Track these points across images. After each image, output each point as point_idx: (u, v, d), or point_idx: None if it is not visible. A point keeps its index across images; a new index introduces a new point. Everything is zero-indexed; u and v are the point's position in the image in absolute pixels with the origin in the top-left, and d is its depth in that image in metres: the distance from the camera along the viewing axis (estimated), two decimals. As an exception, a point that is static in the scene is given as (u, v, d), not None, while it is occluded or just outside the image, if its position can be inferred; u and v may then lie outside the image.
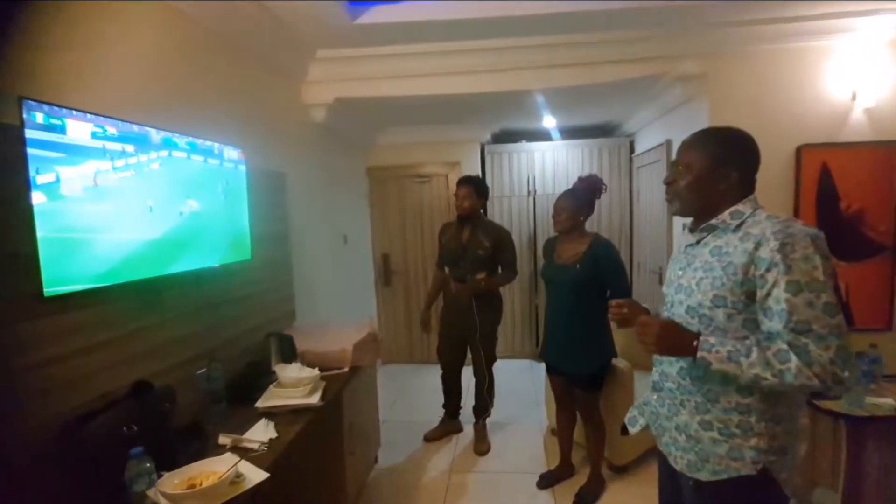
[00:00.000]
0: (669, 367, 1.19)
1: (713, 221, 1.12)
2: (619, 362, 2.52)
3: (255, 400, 1.81)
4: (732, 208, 1.10)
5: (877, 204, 2.72)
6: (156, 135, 1.54)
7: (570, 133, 4.57)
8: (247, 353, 2.17)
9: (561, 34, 2.68)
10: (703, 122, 2.84)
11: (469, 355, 3.07)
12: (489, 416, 3.09)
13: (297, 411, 1.75)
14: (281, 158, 2.71)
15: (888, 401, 2.08)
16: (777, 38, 2.65)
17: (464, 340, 3.03)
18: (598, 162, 4.46)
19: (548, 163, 4.52)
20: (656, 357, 1.25)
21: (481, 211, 3.06)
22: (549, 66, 2.90)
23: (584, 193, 2.37)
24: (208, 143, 1.82)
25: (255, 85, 2.48)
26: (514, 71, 2.96)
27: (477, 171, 4.54)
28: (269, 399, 1.79)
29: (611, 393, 2.54)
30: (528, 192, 4.56)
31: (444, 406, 3.21)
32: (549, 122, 4.20)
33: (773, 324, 0.99)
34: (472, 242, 2.91)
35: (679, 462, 1.19)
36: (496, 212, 4.57)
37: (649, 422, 1.30)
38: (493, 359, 3.05)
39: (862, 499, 2.13)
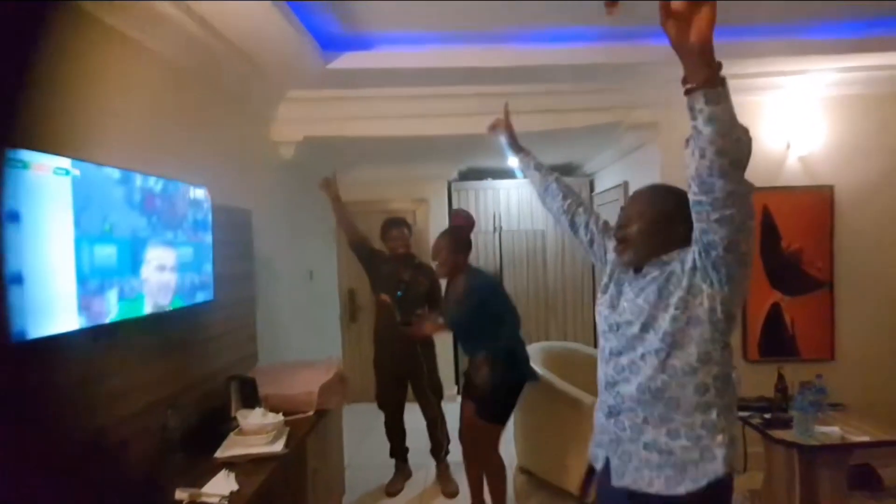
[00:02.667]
0: (627, 387, 1.18)
1: (666, 258, 1.18)
2: (586, 396, 2.55)
3: (215, 449, 1.72)
4: (672, 253, 1.18)
5: (814, 243, 2.95)
6: (116, 173, 1.50)
7: (533, 172, 4.75)
8: (206, 398, 2.06)
9: (525, 84, 2.84)
10: (656, 166, 3.05)
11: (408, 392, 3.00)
12: (448, 453, 3.02)
13: (259, 460, 1.67)
14: (247, 195, 2.68)
15: (835, 429, 2.19)
16: (718, 92, 2.90)
17: (404, 380, 2.97)
18: (561, 200, 4.64)
19: (513, 200, 4.66)
20: (608, 383, 1.24)
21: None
22: (514, 112, 3.03)
23: (461, 232, 2.44)
24: (172, 182, 1.79)
25: (223, 122, 2.47)
26: (480, 116, 3.07)
27: (444, 208, 4.62)
28: (230, 448, 1.70)
29: (578, 427, 2.56)
30: (495, 229, 4.67)
31: (392, 454, 3.05)
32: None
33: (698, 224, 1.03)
34: (413, 281, 2.89)
35: (655, 483, 1.15)
36: (463, 247, 4.63)
37: (609, 453, 1.24)
38: (442, 396, 3.04)
39: (817, 528, 2.20)
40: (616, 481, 1.21)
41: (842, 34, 2.46)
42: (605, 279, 1.35)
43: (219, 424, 1.88)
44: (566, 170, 4.88)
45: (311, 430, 2.05)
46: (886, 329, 2.96)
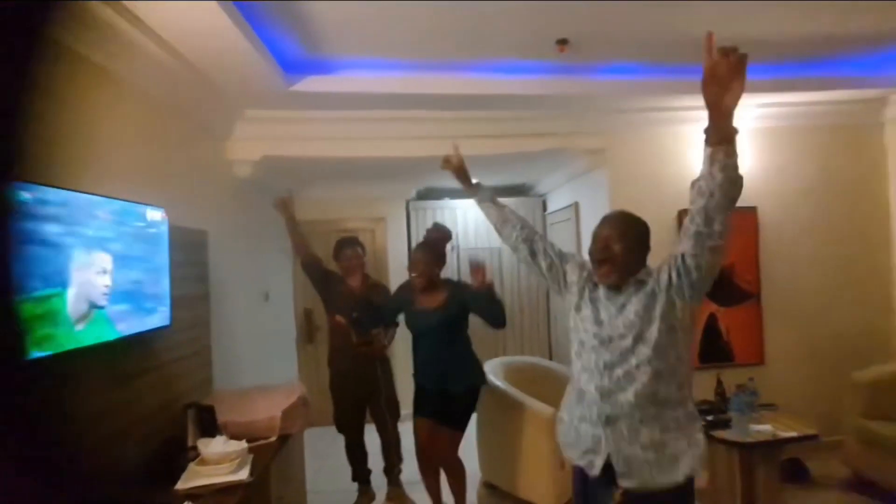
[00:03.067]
0: (624, 395, 1.30)
1: (641, 277, 1.38)
2: (545, 408, 2.65)
3: (174, 481, 1.64)
4: (642, 272, 1.40)
5: (744, 259, 3.25)
6: (67, 195, 1.44)
7: (489, 192, 4.92)
8: (162, 428, 1.96)
9: (481, 110, 2.98)
10: (604, 188, 3.27)
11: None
12: (401, 472, 3.00)
13: (224, 490, 1.62)
14: (202, 215, 2.61)
15: (768, 427, 2.42)
16: (658, 123, 3.20)
17: (363, 402, 2.92)
18: (516, 219, 4.82)
19: (470, 219, 4.78)
20: (603, 394, 1.33)
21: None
22: (471, 136, 3.17)
23: (438, 245, 2.54)
24: (129, 203, 1.73)
25: (177, 141, 2.42)
26: (438, 139, 3.18)
27: (402, 227, 4.67)
28: (192, 479, 1.63)
29: (537, 439, 2.64)
30: (452, 248, 4.75)
31: (354, 478, 2.97)
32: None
33: (682, 245, 1.27)
34: (368, 303, 2.84)
35: (658, 478, 1.29)
36: (422, 265, 4.68)
37: (612, 458, 1.32)
38: (398, 417, 3.00)
39: (756, 520, 2.40)
40: (623, 482, 1.31)
41: (760, 75, 2.79)
42: (573, 298, 1.49)
43: (176, 455, 1.80)
44: (519, 190, 5.08)
45: (274, 455, 2.00)
46: (807, 334, 3.30)
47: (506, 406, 2.75)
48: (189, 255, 2.38)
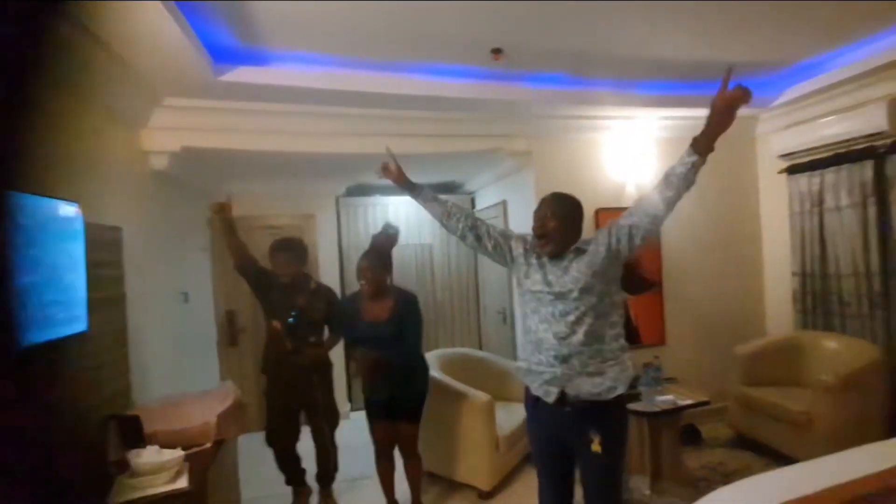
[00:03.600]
0: (576, 337, 1.61)
1: (579, 246, 1.69)
2: (480, 395, 2.80)
3: (97, 498, 1.52)
4: (581, 241, 1.72)
5: (647, 252, 3.65)
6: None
7: (419, 189, 4.99)
8: (78, 444, 1.79)
9: (415, 110, 3.04)
10: (530, 188, 3.49)
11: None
12: (334, 479, 2.91)
13: (161, 501, 1.54)
14: (115, 211, 2.39)
15: (670, 398, 2.77)
16: (577, 130, 3.50)
17: (298, 411, 2.77)
18: (445, 216, 4.95)
19: (401, 216, 4.82)
20: (560, 338, 1.63)
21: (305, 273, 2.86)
22: (404, 135, 3.22)
23: (385, 251, 2.49)
24: (40, 198, 1.56)
25: (86, 128, 2.19)
26: (371, 136, 3.20)
27: (333, 224, 4.60)
28: (125, 492, 1.53)
29: (474, 424, 2.79)
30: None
31: (288, 482, 2.85)
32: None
33: (633, 219, 1.60)
34: (307, 307, 2.67)
35: (595, 399, 1.62)
36: (352, 263, 4.60)
37: (565, 385, 1.64)
38: (336, 424, 2.92)
39: (662, 477, 2.75)
40: (571, 403, 1.64)
41: (663, 91, 3.17)
42: (522, 269, 1.77)
43: (95, 470, 1.66)
44: (450, 188, 5.21)
45: (212, 462, 1.92)
46: (699, 317, 3.80)
47: (444, 396, 2.86)
48: (103, 254, 2.18)
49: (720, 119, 1.47)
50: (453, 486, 2.96)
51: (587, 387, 1.63)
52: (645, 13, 2.24)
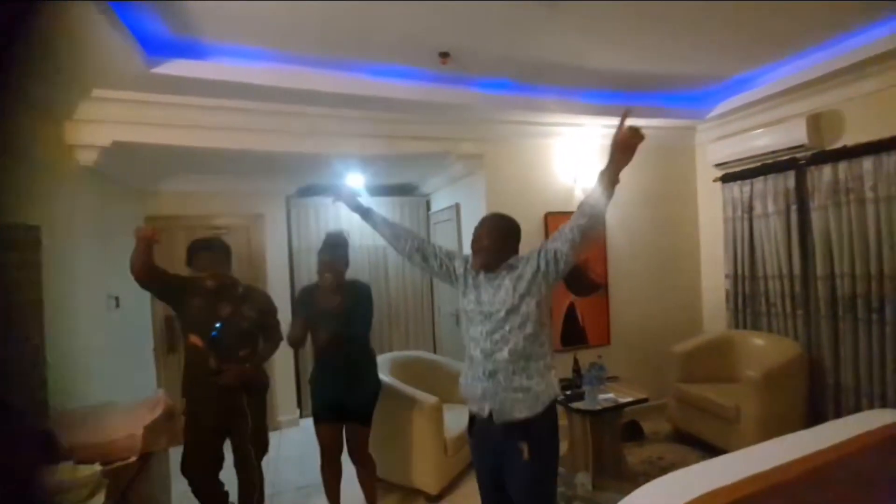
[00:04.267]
0: (501, 354, 1.68)
1: (511, 262, 1.75)
2: (428, 398, 2.79)
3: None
4: (512, 259, 1.78)
5: (594, 255, 3.78)
6: None
7: (375, 190, 4.91)
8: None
9: (364, 110, 3.00)
10: (482, 191, 3.53)
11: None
12: None
13: (74, 522, 1.42)
14: (33, 208, 2.21)
15: (611, 396, 2.87)
16: (526, 135, 3.58)
17: (222, 438, 2.39)
18: (400, 217, 4.90)
19: (354, 217, 4.58)
20: (486, 354, 1.70)
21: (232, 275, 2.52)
22: (354, 134, 3.18)
23: (344, 249, 2.49)
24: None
25: (7, 120, 2.02)
26: (322, 136, 3.14)
27: (283, 224, 4.47)
28: (30, 516, 1.40)
29: (422, 427, 2.77)
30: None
31: None
32: (355, 179, 4.46)
33: (557, 244, 1.67)
34: (235, 316, 2.35)
35: (525, 412, 1.67)
36: (304, 265, 4.52)
37: (490, 403, 1.71)
38: (266, 452, 2.60)
39: (605, 473, 2.83)
40: (498, 419, 1.70)
41: (605, 100, 3.29)
42: (461, 287, 1.85)
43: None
44: (405, 190, 5.18)
45: (135, 477, 1.80)
46: (642, 317, 3.96)
47: (393, 399, 2.82)
48: (17, 256, 2.01)
49: (621, 156, 1.58)
50: (405, 492, 2.92)
51: (509, 405, 1.69)
52: (579, 24, 2.31)
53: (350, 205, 2.07)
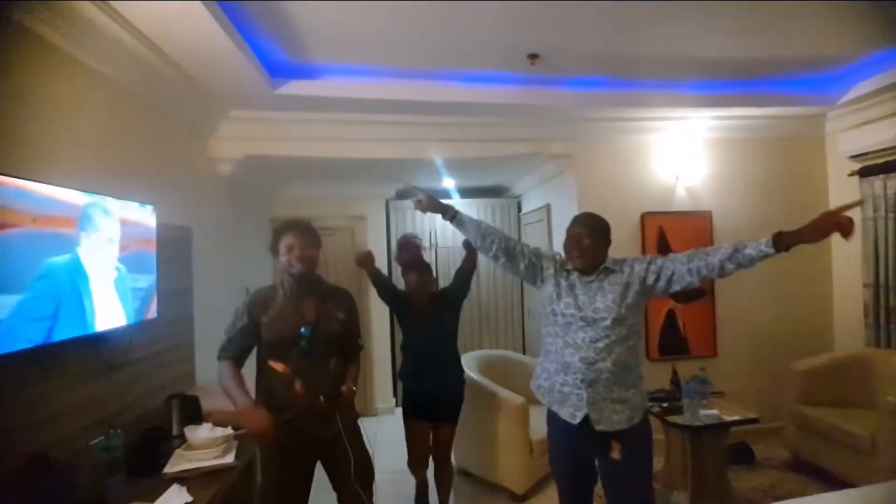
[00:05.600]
0: (604, 364, 1.67)
1: (609, 266, 1.75)
2: (515, 397, 2.82)
3: (157, 468, 1.72)
4: (610, 260, 1.77)
5: (699, 257, 3.50)
6: (71, 195, 1.53)
7: (466, 192, 5.06)
8: (145, 418, 2.04)
9: (457, 116, 3.13)
10: (573, 192, 3.46)
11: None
12: None
13: (210, 473, 1.72)
14: (186, 212, 2.68)
15: (715, 412, 2.64)
16: (621, 132, 3.42)
17: (312, 471, 1.91)
18: (491, 219, 4.98)
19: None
20: (588, 363, 1.68)
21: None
22: (447, 139, 3.33)
23: (420, 261, 2.59)
24: (120, 200, 1.81)
25: (163, 139, 2.49)
26: (418, 141, 3.33)
27: (382, 225, 4.79)
28: (179, 463, 1.73)
29: (508, 427, 2.82)
30: (430, 246, 4.90)
31: None
32: (448, 182, 4.65)
33: (680, 269, 1.66)
34: (325, 316, 1.86)
35: (619, 425, 1.68)
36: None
37: (589, 411, 1.68)
38: (373, 481, 1.97)
39: (705, 495, 2.62)
40: (597, 427, 1.68)
41: (714, 91, 3.04)
42: (553, 289, 1.79)
43: (160, 443, 1.88)
44: (496, 192, 5.25)
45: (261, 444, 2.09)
46: (757, 328, 3.57)
47: (480, 396, 2.90)
48: (174, 251, 2.46)
49: (814, 232, 1.52)
50: (488, 486, 2.99)
51: (608, 413, 1.69)
52: (683, 13, 2.18)
53: (433, 210, 1.97)
